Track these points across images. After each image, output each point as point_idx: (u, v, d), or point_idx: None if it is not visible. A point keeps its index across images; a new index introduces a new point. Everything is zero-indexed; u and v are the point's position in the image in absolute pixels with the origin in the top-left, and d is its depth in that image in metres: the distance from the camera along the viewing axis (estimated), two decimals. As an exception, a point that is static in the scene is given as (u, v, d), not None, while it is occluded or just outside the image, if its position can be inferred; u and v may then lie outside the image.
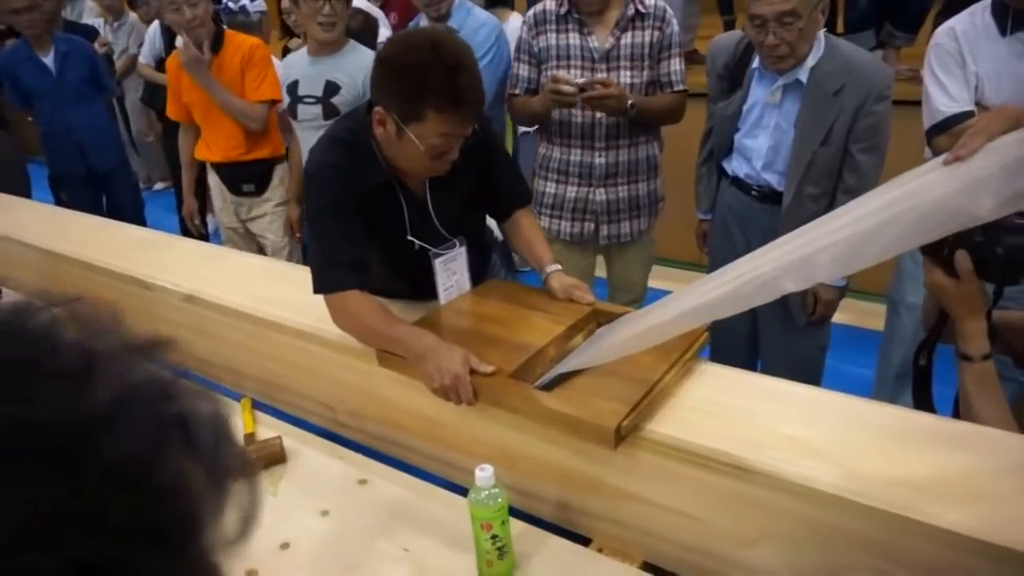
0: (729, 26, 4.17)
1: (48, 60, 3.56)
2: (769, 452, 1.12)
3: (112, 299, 2.13)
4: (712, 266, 2.30)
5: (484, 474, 1.14)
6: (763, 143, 2.01)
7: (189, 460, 0.29)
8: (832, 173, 1.93)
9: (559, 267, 1.61)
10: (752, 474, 1.10)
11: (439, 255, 1.57)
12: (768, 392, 1.30)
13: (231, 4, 3.30)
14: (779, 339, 2.14)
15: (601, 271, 2.53)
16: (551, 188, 2.36)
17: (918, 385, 1.33)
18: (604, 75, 2.15)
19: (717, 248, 2.24)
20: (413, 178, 1.51)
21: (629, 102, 2.11)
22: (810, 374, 2.08)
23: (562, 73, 2.14)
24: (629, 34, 2.17)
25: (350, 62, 2.47)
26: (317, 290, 1.46)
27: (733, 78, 2.08)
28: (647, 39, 2.17)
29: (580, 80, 2.09)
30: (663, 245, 2.62)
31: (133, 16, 5.09)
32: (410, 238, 1.53)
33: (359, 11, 2.77)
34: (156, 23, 3.93)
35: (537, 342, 1.38)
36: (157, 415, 0.29)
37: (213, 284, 1.90)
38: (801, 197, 1.94)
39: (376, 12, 3.27)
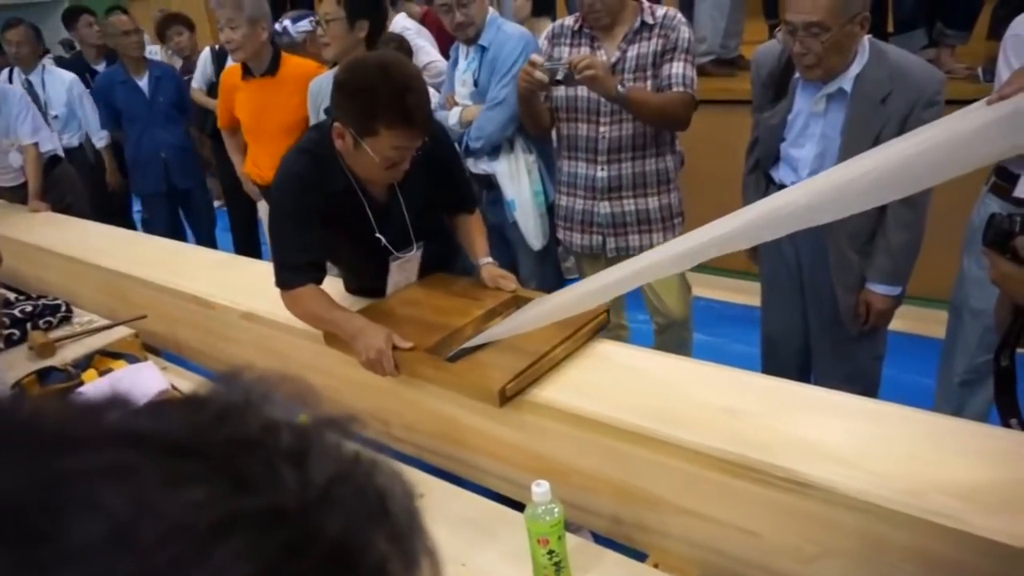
0: (774, 30, 4.11)
1: (143, 83, 3.84)
2: (826, 466, 1.11)
3: (175, 317, 2.21)
4: (763, 274, 2.28)
5: (540, 489, 1.15)
6: (809, 152, 1.98)
7: (388, 540, 0.29)
8: (883, 181, 1.89)
9: (491, 260, 1.84)
10: (809, 488, 1.10)
11: (397, 257, 1.79)
12: (821, 405, 1.29)
13: (275, 27, 3.39)
14: (831, 350, 2.10)
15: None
16: (563, 200, 2.40)
17: (1001, 388, 1.27)
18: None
19: (767, 256, 2.22)
20: (373, 184, 1.69)
21: (618, 84, 2.08)
22: (866, 385, 2.04)
23: (537, 56, 2.16)
24: (636, 45, 2.18)
25: None
26: (276, 285, 1.69)
27: (778, 87, 2.06)
28: (652, 48, 2.17)
29: (552, 65, 2.08)
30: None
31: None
32: (377, 235, 1.72)
33: (391, 39, 2.83)
34: (208, 49, 4.07)
35: (456, 323, 1.62)
36: (363, 494, 0.29)
37: (271, 302, 1.95)
38: (851, 205, 1.91)
39: (421, 32, 3.32)
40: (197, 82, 4.11)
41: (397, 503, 0.30)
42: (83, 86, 4.15)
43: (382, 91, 1.46)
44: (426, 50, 3.17)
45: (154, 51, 5.25)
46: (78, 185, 3.83)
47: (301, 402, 0.31)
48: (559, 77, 2.07)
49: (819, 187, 1.09)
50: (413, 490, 0.31)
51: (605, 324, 1.61)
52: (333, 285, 1.96)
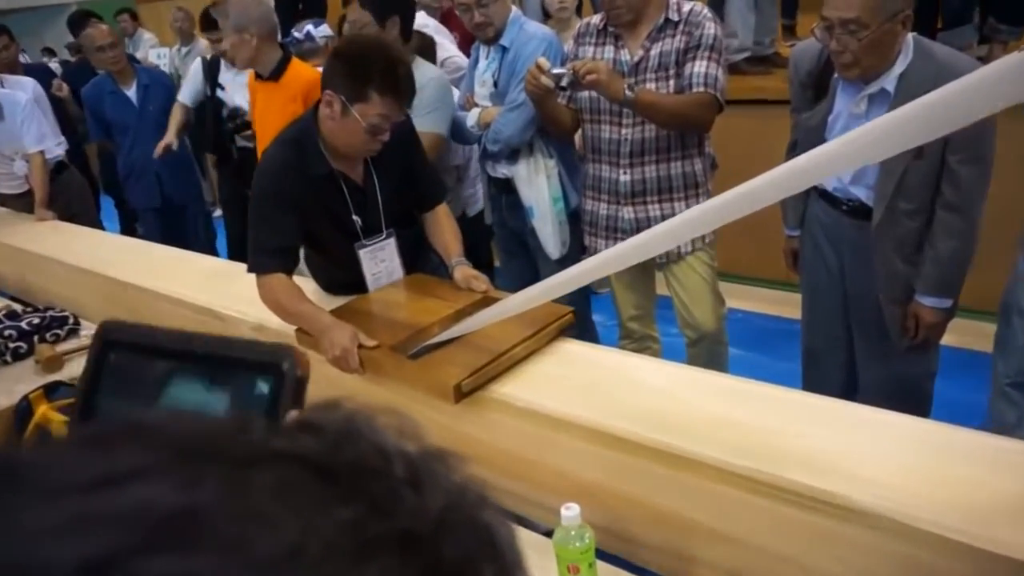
0: (788, 30, 3.99)
1: (131, 93, 3.69)
2: (871, 489, 1.04)
3: (185, 328, 2.14)
4: (803, 284, 2.15)
5: (570, 513, 1.09)
6: (853, 155, 1.86)
7: (496, 574, 0.28)
8: (928, 188, 1.78)
9: (464, 260, 1.85)
10: (852, 513, 1.04)
11: (364, 245, 1.82)
12: (867, 425, 1.20)
13: (296, 33, 3.34)
14: (878, 365, 1.99)
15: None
16: (588, 205, 2.32)
17: None
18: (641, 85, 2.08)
19: (808, 265, 2.11)
20: (351, 165, 1.77)
21: (626, 87, 1.99)
22: (916, 403, 1.92)
23: (544, 61, 2.09)
24: (659, 44, 2.10)
25: (420, 74, 2.44)
26: (249, 270, 1.73)
27: (818, 87, 1.96)
28: (675, 46, 2.08)
29: (557, 70, 2.05)
30: (750, 264, 2.46)
31: (203, 43, 5.18)
32: (355, 218, 1.79)
33: (415, 33, 2.75)
34: (199, 60, 3.80)
35: (423, 322, 1.64)
36: (474, 525, 0.29)
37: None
38: (895, 213, 1.81)
39: (439, 29, 3.25)
40: (183, 95, 3.72)
41: (503, 538, 0.29)
42: (41, 95, 3.76)
43: (378, 59, 1.61)
44: (444, 46, 3.10)
45: (163, 54, 5.15)
46: (85, 193, 3.75)
47: (401, 433, 0.30)
48: (563, 83, 2.05)
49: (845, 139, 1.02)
50: (514, 528, 0.31)
51: (571, 324, 1.63)
52: (315, 287, 1.98)
